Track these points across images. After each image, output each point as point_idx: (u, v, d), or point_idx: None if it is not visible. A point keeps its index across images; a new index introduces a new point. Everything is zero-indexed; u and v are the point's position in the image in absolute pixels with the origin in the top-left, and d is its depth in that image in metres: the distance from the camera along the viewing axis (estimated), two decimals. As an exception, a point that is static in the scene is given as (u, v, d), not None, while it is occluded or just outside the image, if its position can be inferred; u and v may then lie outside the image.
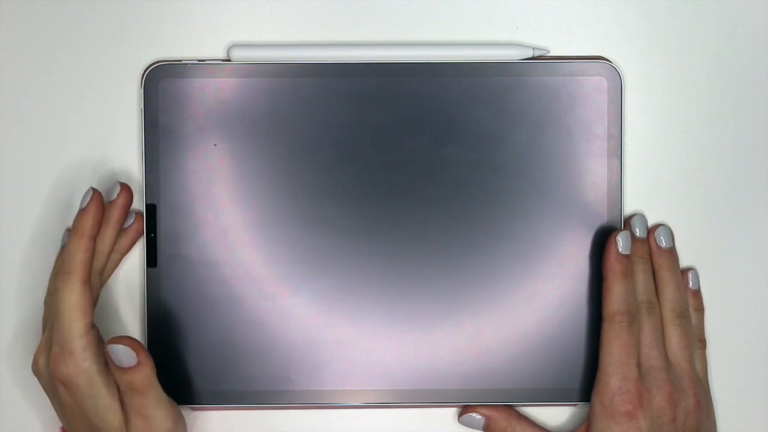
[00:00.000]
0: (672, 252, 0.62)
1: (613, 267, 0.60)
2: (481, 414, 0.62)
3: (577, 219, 0.61)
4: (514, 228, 0.61)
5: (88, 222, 0.59)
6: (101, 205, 0.59)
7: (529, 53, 0.62)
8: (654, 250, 0.62)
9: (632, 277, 0.60)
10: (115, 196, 0.60)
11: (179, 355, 0.61)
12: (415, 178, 0.61)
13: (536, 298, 0.61)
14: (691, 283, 0.63)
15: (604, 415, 0.59)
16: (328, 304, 0.61)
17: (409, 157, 0.61)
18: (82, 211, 0.59)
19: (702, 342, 0.62)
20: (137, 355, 0.57)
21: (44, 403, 0.61)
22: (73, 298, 0.58)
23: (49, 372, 0.58)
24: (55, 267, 0.61)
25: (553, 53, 0.62)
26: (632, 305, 0.59)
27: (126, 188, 0.61)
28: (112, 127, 0.63)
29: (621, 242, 0.60)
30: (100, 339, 0.59)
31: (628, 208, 0.62)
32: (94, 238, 0.59)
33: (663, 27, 0.63)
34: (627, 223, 0.62)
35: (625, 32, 0.63)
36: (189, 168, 0.61)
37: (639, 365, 0.59)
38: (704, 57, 0.63)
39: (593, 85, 0.61)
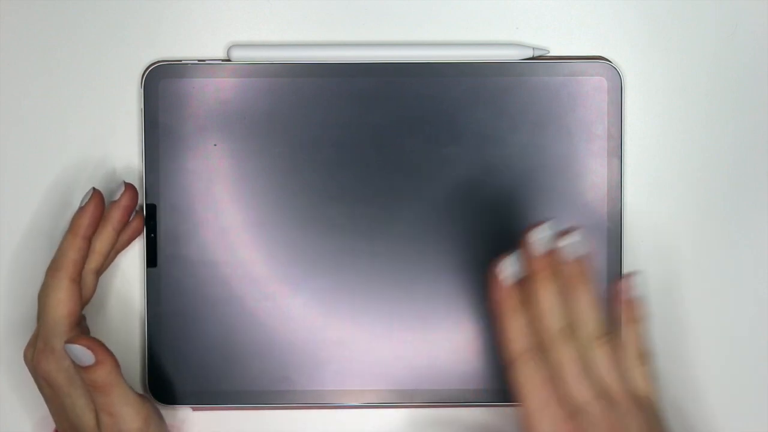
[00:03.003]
0: (581, 262, 0.54)
1: (503, 303, 0.53)
2: None
3: (577, 219, 0.61)
4: (515, 228, 0.61)
5: (84, 221, 0.59)
6: (100, 205, 0.59)
7: (529, 53, 0.62)
8: (560, 264, 0.54)
9: (533, 305, 0.53)
10: (118, 196, 0.60)
11: (179, 355, 0.61)
12: (415, 178, 0.61)
13: (536, 298, 0.61)
14: (623, 291, 0.56)
15: None
16: (328, 304, 0.61)
17: (409, 157, 0.61)
18: (79, 210, 0.59)
19: (642, 358, 0.55)
20: (95, 353, 0.56)
21: (38, 402, 0.61)
22: (59, 296, 0.57)
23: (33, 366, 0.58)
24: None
25: (553, 53, 0.62)
26: (540, 335, 0.52)
27: (130, 189, 0.60)
28: (112, 127, 0.63)
29: (507, 270, 0.53)
30: None
31: (628, 208, 0.62)
32: (89, 238, 0.59)
33: (663, 27, 0.63)
34: (522, 242, 0.54)
35: (625, 32, 0.63)
36: (189, 168, 0.61)
37: (567, 400, 0.52)
38: (704, 57, 0.63)
39: (593, 85, 0.61)
